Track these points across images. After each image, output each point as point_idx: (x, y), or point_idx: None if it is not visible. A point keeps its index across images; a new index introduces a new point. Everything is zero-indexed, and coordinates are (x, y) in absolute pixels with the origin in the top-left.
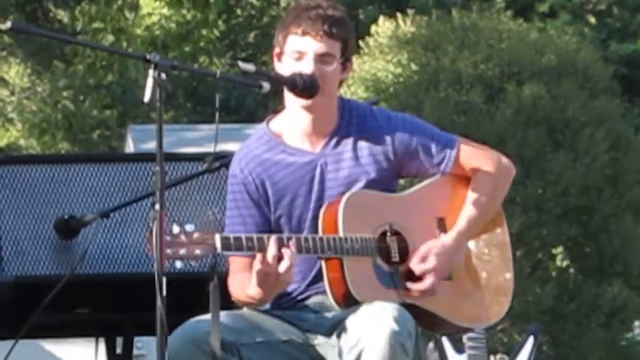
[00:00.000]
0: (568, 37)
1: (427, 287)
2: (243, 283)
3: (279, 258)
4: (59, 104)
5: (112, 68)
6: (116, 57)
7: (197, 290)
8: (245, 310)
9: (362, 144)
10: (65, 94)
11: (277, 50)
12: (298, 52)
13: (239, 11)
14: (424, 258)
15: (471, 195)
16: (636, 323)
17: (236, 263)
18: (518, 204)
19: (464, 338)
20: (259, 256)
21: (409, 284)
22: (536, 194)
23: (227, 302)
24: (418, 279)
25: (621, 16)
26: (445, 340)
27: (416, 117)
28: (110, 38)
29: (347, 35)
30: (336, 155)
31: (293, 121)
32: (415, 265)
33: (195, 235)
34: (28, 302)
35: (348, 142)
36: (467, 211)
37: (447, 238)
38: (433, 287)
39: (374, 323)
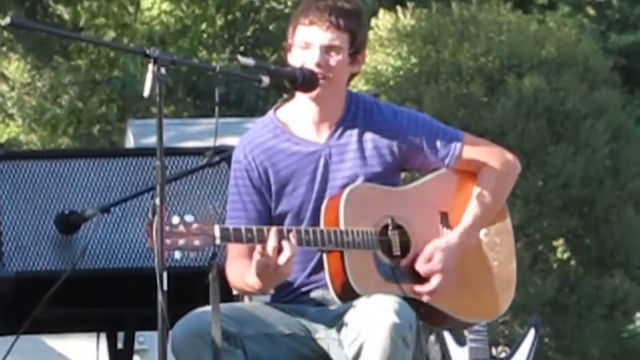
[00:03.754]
0: (568, 28)
1: (434, 288)
2: (242, 270)
3: (279, 250)
4: (64, 100)
5: (117, 63)
6: (121, 52)
7: (198, 283)
8: (248, 302)
9: (367, 137)
10: (68, 89)
11: (288, 41)
12: (305, 42)
13: (237, 6)
14: (429, 258)
15: (476, 192)
16: (638, 315)
17: (235, 249)
18: (518, 196)
19: (465, 330)
20: (258, 247)
21: (417, 287)
22: (537, 186)
23: (228, 294)
24: (423, 278)
25: (620, 7)
26: (446, 333)
27: (422, 113)
28: (112, 34)
29: (356, 27)
30: (341, 147)
31: (300, 110)
32: (421, 266)
33: (195, 226)
34: (29, 297)
35: (353, 134)
36: (473, 208)
37: (452, 236)
38: (440, 288)
39: (375, 316)
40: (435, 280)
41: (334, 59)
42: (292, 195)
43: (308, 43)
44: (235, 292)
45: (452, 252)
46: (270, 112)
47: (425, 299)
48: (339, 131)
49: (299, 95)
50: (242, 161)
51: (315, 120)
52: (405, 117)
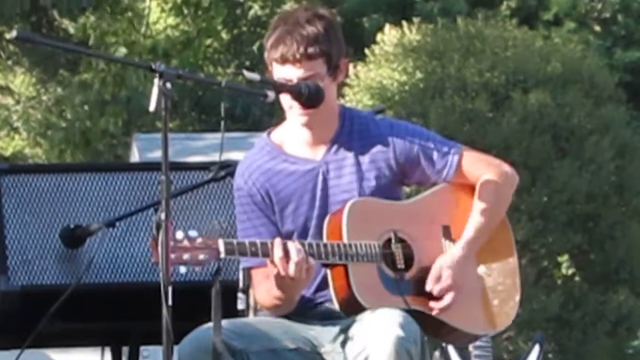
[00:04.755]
0: (573, 45)
1: (448, 304)
2: (268, 290)
3: (288, 259)
4: (69, 114)
5: (125, 82)
6: (128, 69)
7: (203, 298)
8: (253, 317)
9: (364, 151)
10: (78, 109)
11: (269, 68)
12: (283, 78)
13: (243, 21)
14: (438, 277)
15: (476, 204)
16: None
17: (259, 274)
18: (524, 212)
19: (470, 346)
20: (269, 261)
21: (432, 303)
22: (542, 201)
23: (232, 309)
24: (429, 291)
25: (626, 24)
26: (451, 348)
27: (419, 125)
28: (123, 50)
29: (328, 47)
30: (338, 162)
31: (293, 130)
32: (432, 286)
33: (199, 240)
34: (34, 311)
35: (349, 149)
36: (474, 220)
37: (456, 250)
38: (453, 303)
39: (380, 329)
40: (448, 298)
41: None
42: (295, 214)
43: (287, 79)
44: (240, 307)
45: (458, 266)
46: (264, 136)
47: (435, 313)
48: (335, 147)
49: (290, 116)
50: (243, 188)
51: (310, 139)
52: (401, 130)
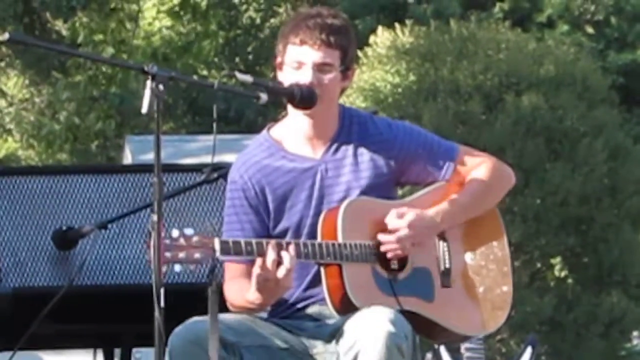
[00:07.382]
0: (566, 47)
1: (397, 238)
2: (241, 289)
3: (279, 263)
4: (62, 116)
5: (115, 80)
6: (118, 68)
7: (196, 300)
8: (243, 315)
9: (363, 150)
10: (66, 105)
11: (278, 59)
12: (297, 61)
13: (239, 24)
14: (401, 215)
15: (462, 191)
16: (635, 333)
17: (232, 270)
18: (517, 214)
19: (462, 348)
20: (258, 261)
21: (380, 235)
22: (535, 204)
23: (225, 309)
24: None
25: (619, 26)
26: (443, 350)
27: (416, 125)
28: (110, 50)
29: (346, 43)
30: (336, 162)
31: (294, 127)
32: (391, 219)
33: (195, 239)
34: (27, 313)
35: (349, 149)
36: (453, 200)
37: (428, 212)
38: (404, 242)
39: (370, 325)
40: (401, 232)
41: (327, 77)
42: (291, 211)
43: (300, 62)
44: (232, 310)
45: (423, 220)
46: (264, 132)
47: (389, 252)
48: (334, 146)
49: (292, 112)
50: (238, 181)
51: (310, 136)
52: (400, 129)
